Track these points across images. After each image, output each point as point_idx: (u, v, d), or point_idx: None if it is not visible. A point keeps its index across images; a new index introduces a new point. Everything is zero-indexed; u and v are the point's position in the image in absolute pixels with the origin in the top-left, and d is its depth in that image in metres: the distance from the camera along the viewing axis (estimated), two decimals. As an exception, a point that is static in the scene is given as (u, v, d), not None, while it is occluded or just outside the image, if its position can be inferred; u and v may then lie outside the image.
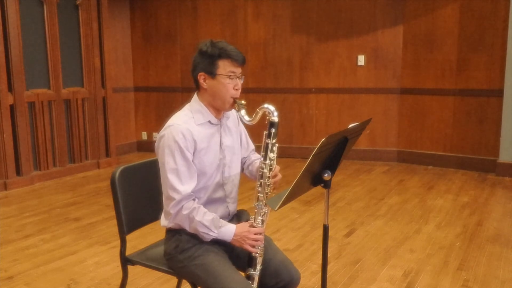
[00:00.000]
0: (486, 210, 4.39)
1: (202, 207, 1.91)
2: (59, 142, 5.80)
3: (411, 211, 4.40)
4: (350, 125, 1.93)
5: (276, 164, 1.97)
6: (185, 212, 1.87)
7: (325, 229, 1.98)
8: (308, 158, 1.73)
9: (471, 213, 4.30)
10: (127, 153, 7.28)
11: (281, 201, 1.79)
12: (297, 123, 6.77)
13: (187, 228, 1.91)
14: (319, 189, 1.99)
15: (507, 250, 3.46)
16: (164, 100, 7.26)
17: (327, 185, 1.92)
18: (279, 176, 1.97)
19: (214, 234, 1.88)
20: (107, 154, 6.45)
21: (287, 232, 3.90)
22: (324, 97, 6.63)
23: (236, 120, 2.13)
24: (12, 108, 5.23)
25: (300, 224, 4.07)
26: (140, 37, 7.33)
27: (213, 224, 1.88)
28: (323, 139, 1.70)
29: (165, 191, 1.92)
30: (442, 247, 3.54)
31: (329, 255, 2.93)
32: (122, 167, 2.13)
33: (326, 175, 1.88)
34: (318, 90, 6.63)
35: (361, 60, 6.39)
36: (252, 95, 6.64)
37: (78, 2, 5.93)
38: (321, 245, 2.01)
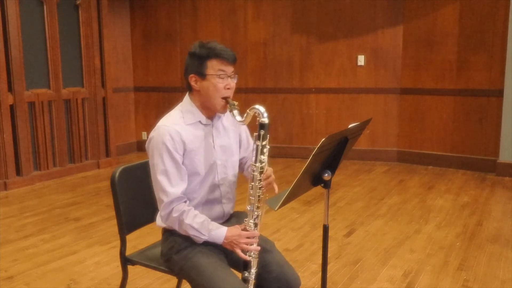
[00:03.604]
0: (486, 210, 4.39)
1: (192, 209, 1.90)
2: (59, 142, 5.80)
3: (411, 211, 4.40)
4: (350, 125, 1.93)
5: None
6: (175, 214, 1.87)
7: (325, 229, 1.98)
8: (308, 158, 1.73)
9: (471, 213, 4.30)
10: (127, 153, 7.28)
11: (281, 201, 1.79)
12: (297, 123, 6.77)
13: (178, 230, 1.91)
14: (319, 189, 1.99)
15: (507, 250, 3.47)
16: (164, 100, 7.26)
17: (327, 185, 1.92)
18: (272, 177, 1.94)
19: (204, 237, 1.87)
20: (107, 154, 6.45)
21: (287, 232, 3.90)
22: (324, 97, 6.63)
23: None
24: (12, 108, 5.23)
25: (300, 224, 4.07)
26: (140, 37, 7.33)
27: (203, 227, 1.86)
28: (323, 139, 1.70)
29: (156, 193, 1.91)
30: (442, 247, 3.54)
31: (329, 255, 2.93)
32: (122, 167, 2.13)
33: (326, 175, 1.88)
34: (318, 90, 6.63)
35: (361, 60, 6.39)
36: (252, 95, 6.64)
37: (78, 2, 5.93)
38: (321, 245, 2.01)
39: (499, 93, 5.55)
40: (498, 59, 5.59)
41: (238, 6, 6.77)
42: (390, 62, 6.34)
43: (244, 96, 6.58)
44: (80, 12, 5.96)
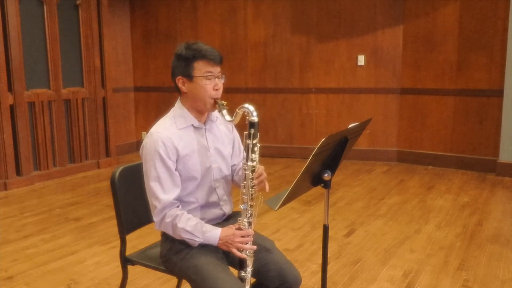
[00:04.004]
0: (486, 210, 4.39)
1: (185, 213, 1.90)
2: (59, 142, 5.80)
3: (411, 211, 4.40)
4: (350, 125, 1.94)
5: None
6: (168, 220, 1.88)
7: (325, 229, 1.98)
8: (308, 158, 1.73)
9: (471, 213, 4.30)
10: (127, 153, 7.28)
11: (281, 201, 1.79)
12: (297, 123, 6.76)
13: (172, 234, 1.91)
14: (319, 189, 1.99)
15: (507, 250, 3.47)
16: (164, 100, 7.26)
17: (327, 185, 1.92)
18: (264, 175, 1.94)
19: (198, 239, 1.87)
20: (107, 154, 6.45)
21: (287, 232, 3.90)
22: (324, 97, 6.63)
23: (230, 126, 2.12)
24: (12, 108, 5.23)
25: (300, 224, 4.07)
26: (140, 37, 7.33)
27: (197, 229, 1.87)
28: (323, 139, 1.70)
29: (149, 199, 1.92)
30: (442, 247, 3.54)
31: (329, 255, 2.93)
32: (122, 167, 2.13)
33: (326, 175, 1.88)
34: (318, 90, 6.63)
35: (361, 60, 6.39)
36: (252, 95, 6.64)
37: (78, 2, 5.93)
38: (321, 245, 2.01)
39: (499, 93, 5.55)
40: (498, 59, 5.59)
41: (238, 6, 6.77)
42: (390, 62, 6.34)
43: (244, 96, 6.58)
44: (80, 12, 5.96)
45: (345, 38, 6.43)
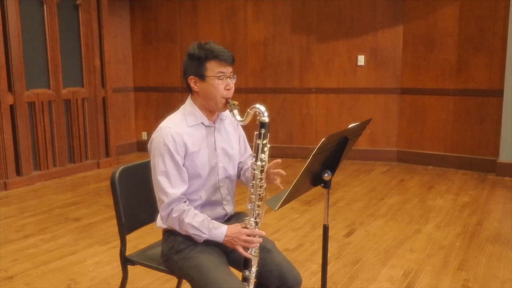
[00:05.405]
0: (486, 210, 4.39)
1: (192, 209, 1.91)
2: (59, 142, 5.80)
3: (411, 211, 4.40)
4: (350, 125, 1.94)
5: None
6: (175, 214, 1.88)
7: (325, 229, 1.98)
8: (308, 158, 1.73)
9: (471, 213, 4.30)
10: (127, 153, 7.28)
11: (281, 201, 1.79)
12: (297, 123, 6.77)
13: (178, 230, 1.92)
14: (319, 189, 1.99)
15: (507, 250, 3.47)
16: (164, 100, 7.26)
17: (327, 185, 1.92)
18: (282, 172, 1.94)
19: (204, 235, 1.88)
20: (107, 154, 6.45)
21: (287, 232, 3.90)
22: (324, 97, 6.63)
23: (236, 124, 2.13)
24: (12, 108, 5.23)
25: (300, 224, 4.07)
26: (140, 37, 7.33)
27: (204, 225, 1.88)
28: (323, 139, 1.70)
29: (156, 193, 1.93)
30: (442, 247, 3.54)
31: (329, 255, 2.93)
32: (122, 167, 2.13)
33: (326, 175, 1.88)
34: (318, 90, 6.63)
35: (361, 60, 6.39)
36: (252, 95, 6.64)
37: (78, 2, 5.93)
38: (321, 245, 2.01)
39: (499, 93, 5.55)
40: (498, 59, 5.59)
41: (238, 6, 6.77)
42: (390, 62, 6.34)
43: (244, 96, 6.58)
44: (80, 12, 5.96)
45: (345, 38, 6.43)
